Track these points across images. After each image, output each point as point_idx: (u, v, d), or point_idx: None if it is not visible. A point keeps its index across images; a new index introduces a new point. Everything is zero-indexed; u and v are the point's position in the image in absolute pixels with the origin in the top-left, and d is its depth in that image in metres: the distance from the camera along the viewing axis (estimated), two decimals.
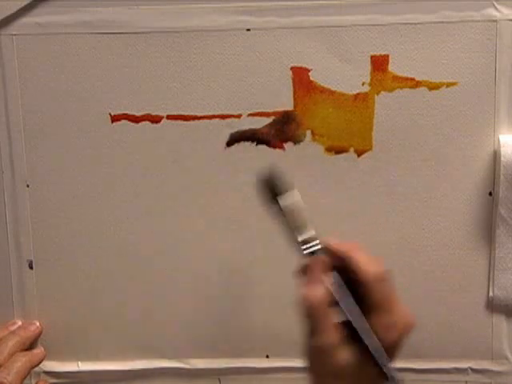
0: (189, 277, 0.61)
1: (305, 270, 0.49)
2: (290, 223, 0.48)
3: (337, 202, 0.59)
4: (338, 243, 0.49)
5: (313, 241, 0.49)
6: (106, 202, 0.59)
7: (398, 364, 0.61)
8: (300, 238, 0.49)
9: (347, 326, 0.47)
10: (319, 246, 0.48)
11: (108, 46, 0.56)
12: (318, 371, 0.49)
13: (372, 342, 0.46)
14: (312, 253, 0.48)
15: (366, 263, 0.47)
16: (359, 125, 0.57)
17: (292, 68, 0.56)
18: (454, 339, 0.61)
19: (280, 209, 0.48)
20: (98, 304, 0.62)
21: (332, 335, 0.47)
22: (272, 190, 0.48)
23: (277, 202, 0.48)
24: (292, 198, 0.49)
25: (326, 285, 0.47)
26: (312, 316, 0.47)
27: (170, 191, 0.59)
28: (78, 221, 0.60)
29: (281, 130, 0.58)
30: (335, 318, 0.47)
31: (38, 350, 0.61)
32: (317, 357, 0.48)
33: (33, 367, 0.59)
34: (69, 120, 0.58)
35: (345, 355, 0.46)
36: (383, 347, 0.46)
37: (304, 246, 0.49)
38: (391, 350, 0.47)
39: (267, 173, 0.48)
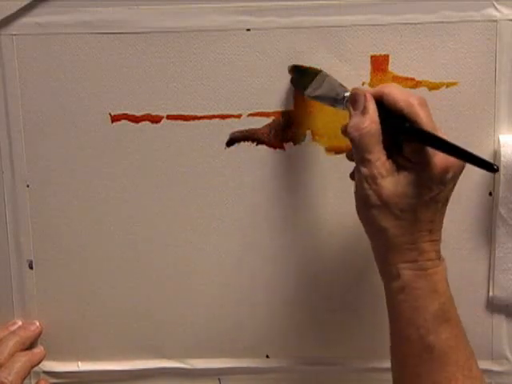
0: (189, 277, 0.61)
1: (352, 102, 0.49)
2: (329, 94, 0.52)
3: (337, 202, 0.59)
4: (368, 88, 0.51)
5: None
6: (106, 202, 0.59)
7: None
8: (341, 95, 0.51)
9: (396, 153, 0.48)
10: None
11: (108, 46, 0.56)
12: (365, 202, 0.49)
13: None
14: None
15: (399, 94, 0.48)
16: None
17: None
18: None
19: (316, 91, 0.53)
20: (98, 304, 0.62)
21: (380, 165, 0.47)
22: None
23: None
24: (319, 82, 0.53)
25: (376, 115, 0.48)
26: (361, 147, 0.47)
27: (169, 191, 0.59)
28: (78, 221, 0.60)
29: (281, 131, 0.58)
30: (382, 149, 0.47)
31: (38, 350, 0.61)
32: (364, 184, 0.48)
33: (33, 367, 0.59)
34: (69, 120, 0.58)
35: (392, 183, 0.47)
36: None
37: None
38: (442, 180, 0.47)
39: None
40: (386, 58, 0.56)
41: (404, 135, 0.48)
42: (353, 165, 0.58)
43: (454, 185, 0.49)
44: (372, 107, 0.48)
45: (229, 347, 0.62)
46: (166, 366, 0.63)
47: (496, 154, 0.57)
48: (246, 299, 0.61)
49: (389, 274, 0.49)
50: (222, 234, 0.60)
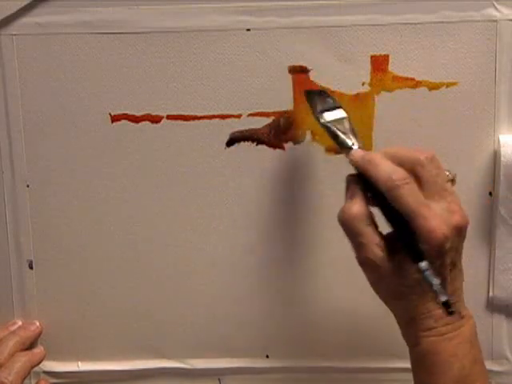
0: (189, 277, 0.61)
1: (346, 188, 0.49)
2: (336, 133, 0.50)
3: (337, 202, 0.59)
4: (357, 157, 0.48)
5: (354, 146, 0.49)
6: (106, 202, 0.59)
7: (398, 364, 0.61)
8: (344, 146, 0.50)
9: (391, 236, 0.47)
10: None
11: (108, 46, 0.56)
12: (373, 281, 0.48)
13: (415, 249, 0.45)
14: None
15: (380, 172, 0.46)
16: (359, 125, 0.57)
17: (292, 68, 0.56)
18: None
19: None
20: (98, 304, 0.62)
21: (373, 248, 0.46)
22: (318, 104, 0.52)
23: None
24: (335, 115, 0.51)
25: (361, 197, 0.47)
26: (350, 231, 0.47)
27: (169, 191, 0.59)
28: (78, 221, 0.60)
29: (281, 131, 0.58)
30: (377, 231, 0.47)
31: (38, 350, 0.61)
32: (366, 269, 0.48)
33: (33, 367, 0.59)
34: (69, 120, 0.58)
35: (390, 266, 0.46)
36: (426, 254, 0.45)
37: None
38: (439, 253, 0.45)
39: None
40: (386, 58, 0.56)
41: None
42: (353, 169, 0.58)
43: (459, 247, 0.48)
44: (358, 192, 0.47)
45: (229, 347, 0.62)
46: (166, 365, 0.63)
47: (496, 153, 0.57)
48: (246, 299, 0.61)
49: (409, 342, 0.49)
50: (221, 234, 0.60)
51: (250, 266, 0.60)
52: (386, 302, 0.50)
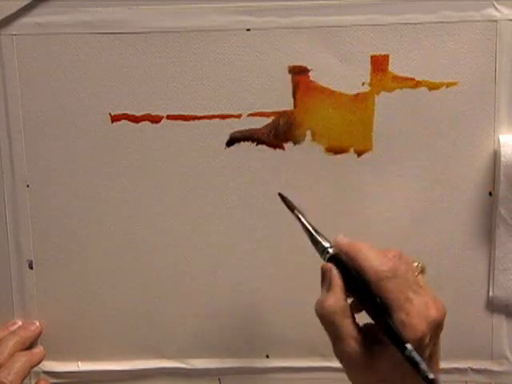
0: (189, 277, 0.61)
1: (321, 277, 0.48)
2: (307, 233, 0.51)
3: (337, 202, 0.59)
4: (345, 243, 0.48)
5: (327, 247, 0.49)
6: (105, 202, 0.60)
7: None
8: (317, 246, 0.50)
9: (372, 327, 0.46)
10: (331, 251, 0.49)
11: (108, 46, 0.56)
12: (349, 373, 0.48)
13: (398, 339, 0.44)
14: (330, 258, 0.48)
15: (370, 261, 0.46)
16: (359, 125, 0.57)
17: (292, 68, 0.56)
18: (454, 339, 0.61)
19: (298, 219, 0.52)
20: (98, 304, 0.62)
21: (351, 342, 0.46)
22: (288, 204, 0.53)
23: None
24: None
25: (339, 288, 0.46)
26: (328, 325, 0.47)
27: (169, 191, 0.59)
28: (78, 221, 0.60)
29: (281, 131, 0.58)
30: (354, 324, 0.46)
31: (38, 350, 0.61)
32: (343, 362, 0.47)
33: (33, 367, 0.59)
34: (69, 120, 0.58)
35: (368, 361, 0.46)
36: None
37: (322, 254, 0.49)
38: (418, 348, 0.45)
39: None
40: (385, 58, 0.56)
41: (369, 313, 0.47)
42: (353, 165, 0.58)
43: (437, 339, 0.48)
44: (337, 283, 0.47)
45: (229, 347, 0.62)
46: (166, 366, 0.63)
47: (496, 153, 0.57)
48: (246, 299, 0.61)
49: None
50: (221, 234, 0.60)
51: (250, 266, 0.60)
52: None
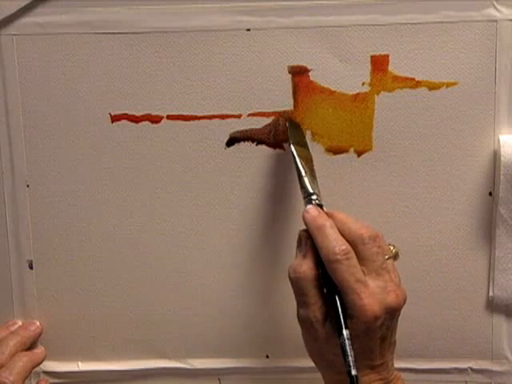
0: (189, 277, 0.61)
1: (297, 242, 0.50)
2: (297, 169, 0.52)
3: (337, 202, 0.59)
4: (309, 218, 0.49)
5: (311, 193, 0.51)
6: (105, 202, 0.60)
7: (398, 364, 0.61)
8: (302, 190, 0.51)
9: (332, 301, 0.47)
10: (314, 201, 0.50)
11: (108, 45, 0.56)
12: (306, 339, 0.51)
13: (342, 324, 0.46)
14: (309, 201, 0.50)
15: (325, 242, 0.47)
16: (359, 125, 0.57)
17: (292, 68, 0.56)
18: (454, 339, 0.61)
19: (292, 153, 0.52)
20: (98, 304, 0.62)
21: (315, 310, 0.47)
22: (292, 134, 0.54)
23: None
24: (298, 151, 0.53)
25: (312, 258, 0.48)
26: (297, 289, 0.48)
27: (169, 191, 0.59)
28: (78, 221, 0.60)
29: (281, 131, 0.57)
30: (322, 294, 0.48)
31: (39, 350, 0.61)
32: (303, 326, 0.50)
33: (34, 367, 0.59)
34: (69, 120, 0.58)
35: (324, 331, 0.48)
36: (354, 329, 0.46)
37: (304, 200, 0.51)
38: (369, 329, 0.46)
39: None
40: (385, 58, 0.56)
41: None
42: (353, 165, 0.58)
43: (392, 324, 0.49)
44: (311, 252, 0.48)
45: (229, 347, 0.62)
46: (166, 366, 0.63)
47: (496, 153, 0.57)
48: (246, 299, 0.61)
49: None
50: (221, 234, 0.60)
51: (251, 266, 0.60)
52: (316, 363, 0.52)
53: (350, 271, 0.46)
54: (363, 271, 0.47)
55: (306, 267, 0.48)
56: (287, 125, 0.56)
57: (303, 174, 0.52)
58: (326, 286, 0.48)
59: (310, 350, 0.52)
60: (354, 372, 0.45)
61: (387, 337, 0.49)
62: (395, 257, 0.51)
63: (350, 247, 0.47)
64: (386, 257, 0.49)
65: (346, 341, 0.45)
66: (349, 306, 0.46)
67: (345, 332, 0.46)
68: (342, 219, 0.49)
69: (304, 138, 0.56)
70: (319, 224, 0.48)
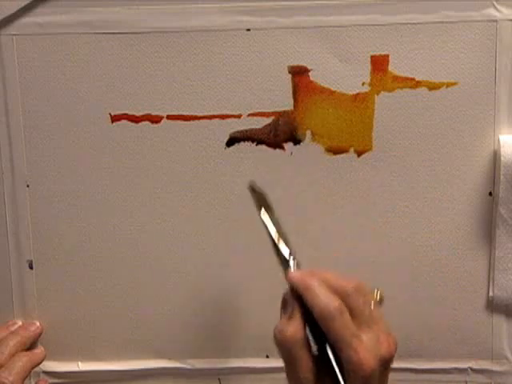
0: (189, 277, 0.61)
1: (282, 304, 0.49)
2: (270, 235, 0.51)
3: (337, 202, 0.59)
4: (295, 280, 0.48)
5: (291, 259, 0.50)
6: (105, 202, 0.60)
7: (398, 364, 0.61)
8: (279, 253, 0.51)
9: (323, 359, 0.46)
10: (292, 266, 0.50)
11: (108, 46, 0.56)
12: None
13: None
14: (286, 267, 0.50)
15: (316, 300, 0.46)
16: (359, 125, 0.57)
17: (292, 68, 0.56)
18: (454, 339, 0.61)
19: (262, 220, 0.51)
20: (98, 304, 0.62)
21: (306, 371, 0.46)
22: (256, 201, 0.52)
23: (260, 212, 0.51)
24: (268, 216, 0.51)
25: (299, 319, 0.47)
26: (285, 352, 0.47)
27: (169, 191, 0.59)
28: (78, 221, 0.60)
29: (281, 131, 0.58)
30: (310, 354, 0.46)
31: (39, 350, 0.61)
32: None
33: (34, 367, 0.59)
34: (69, 120, 0.58)
35: None
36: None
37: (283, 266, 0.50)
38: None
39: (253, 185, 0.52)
40: (385, 58, 0.56)
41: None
42: (353, 165, 0.58)
43: (385, 375, 0.47)
44: (298, 314, 0.47)
45: (229, 347, 0.62)
46: (166, 366, 0.63)
47: (496, 153, 0.57)
48: (246, 299, 0.61)
49: None
50: (221, 234, 0.60)
51: (251, 266, 0.60)
52: None
53: (345, 327, 0.45)
54: (354, 323, 0.46)
55: (292, 329, 0.46)
56: (250, 191, 0.53)
57: (276, 240, 0.50)
58: (319, 345, 0.46)
59: None
60: None
61: None
62: (380, 302, 0.50)
63: (342, 303, 0.46)
64: (372, 305, 0.48)
65: None
66: (345, 361, 0.45)
67: None
68: (324, 277, 0.48)
69: (264, 196, 0.53)
70: (308, 284, 0.47)
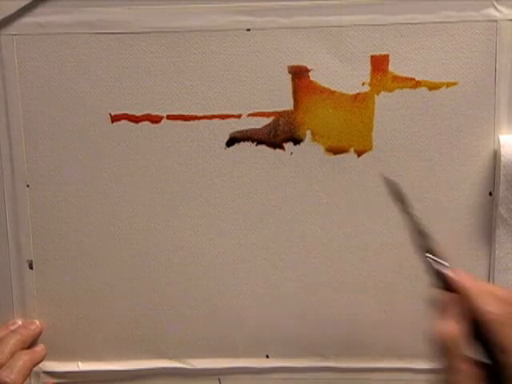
0: (189, 277, 0.61)
1: (440, 306, 0.47)
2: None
3: (337, 202, 0.59)
4: (469, 280, 0.46)
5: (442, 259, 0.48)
6: (105, 202, 0.60)
7: (398, 364, 0.61)
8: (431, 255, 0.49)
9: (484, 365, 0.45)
10: (447, 270, 0.48)
11: (108, 45, 0.56)
12: None
13: None
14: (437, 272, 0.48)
15: (487, 302, 0.45)
16: (359, 125, 0.57)
17: (292, 68, 0.56)
18: None
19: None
20: (98, 304, 0.62)
21: (465, 376, 0.45)
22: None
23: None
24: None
25: (460, 322, 0.45)
26: (445, 353, 0.45)
27: (169, 191, 0.59)
28: (78, 221, 0.60)
29: (281, 131, 0.58)
30: (470, 356, 0.45)
31: (39, 348, 0.61)
32: None
33: (34, 365, 0.59)
34: (69, 120, 0.58)
35: None
36: None
37: (434, 261, 0.48)
38: None
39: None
40: (385, 57, 0.56)
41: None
42: (353, 165, 0.58)
43: None
44: (453, 313, 0.46)
45: (229, 347, 0.62)
46: (166, 366, 0.63)
47: (496, 153, 0.57)
48: (246, 299, 0.61)
49: None
50: (221, 234, 0.60)
51: (251, 266, 0.60)
52: None
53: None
54: None
55: (457, 329, 0.45)
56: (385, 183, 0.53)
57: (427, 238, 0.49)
58: (483, 348, 0.45)
59: None
60: None
61: None
62: None
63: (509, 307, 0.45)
64: None
65: None
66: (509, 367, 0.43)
67: None
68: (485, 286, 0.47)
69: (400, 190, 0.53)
70: (480, 290, 0.46)
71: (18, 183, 0.59)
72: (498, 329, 0.44)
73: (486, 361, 0.45)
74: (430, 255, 0.49)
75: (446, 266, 0.48)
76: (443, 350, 0.45)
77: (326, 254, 0.60)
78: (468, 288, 0.46)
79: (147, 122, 0.58)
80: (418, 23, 0.55)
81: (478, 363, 0.46)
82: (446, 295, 0.47)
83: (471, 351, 0.46)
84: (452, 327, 0.45)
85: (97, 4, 0.56)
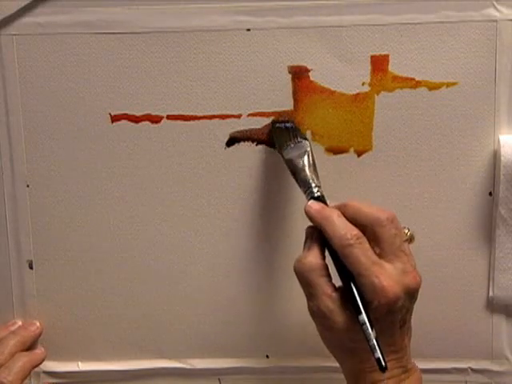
0: (188, 276, 0.61)
1: (305, 237, 0.50)
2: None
3: (337, 202, 0.59)
4: (313, 211, 0.49)
5: (314, 188, 0.51)
6: (105, 202, 0.60)
7: None
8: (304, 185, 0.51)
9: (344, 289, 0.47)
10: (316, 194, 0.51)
11: (108, 45, 0.56)
12: (322, 331, 0.50)
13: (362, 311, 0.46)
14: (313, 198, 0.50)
15: (334, 229, 0.47)
16: (359, 125, 0.57)
17: (292, 68, 0.56)
18: (454, 339, 0.61)
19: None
20: (98, 304, 0.62)
21: (325, 300, 0.47)
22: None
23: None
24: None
25: (316, 248, 0.48)
26: (304, 281, 0.48)
27: (169, 191, 0.59)
28: (78, 221, 0.60)
29: None
30: (330, 283, 0.48)
31: (39, 350, 0.61)
32: (317, 319, 0.49)
33: (33, 367, 0.59)
34: (69, 120, 0.58)
35: (340, 319, 0.47)
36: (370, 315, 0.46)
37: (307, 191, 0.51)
38: (390, 311, 0.46)
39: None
40: (385, 57, 0.56)
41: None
42: (353, 165, 0.58)
43: (410, 307, 0.49)
44: (315, 242, 0.49)
45: (229, 347, 0.62)
46: (166, 366, 0.63)
47: (496, 153, 0.57)
48: (246, 299, 0.61)
49: None
50: (221, 234, 0.60)
51: (250, 266, 0.60)
52: (335, 355, 0.51)
53: (365, 254, 0.46)
54: (380, 254, 0.47)
55: (311, 258, 0.48)
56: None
57: (307, 168, 0.52)
58: (340, 274, 0.47)
59: (327, 343, 0.51)
60: (378, 355, 0.44)
61: (406, 320, 0.49)
62: (410, 240, 0.51)
63: (360, 233, 0.47)
64: (403, 239, 0.49)
65: (367, 323, 0.45)
66: (368, 289, 0.45)
67: (365, 316, 0.45)
68: (354, 206, 0.49)
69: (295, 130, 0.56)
70: (326, 215, 0.48)
71: (17, 183, 0.59)
72: (347, 252, 0.46)
73: (347, 284, 0.47)
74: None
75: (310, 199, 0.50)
76: (302, 279, 0.48)
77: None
78: (319, 218, 0.48)
79: (147, 122, 0.58)
80: (418, 23, 0.55)
81: (339, 288, 0.48)
82: (308, 229, 0.50)
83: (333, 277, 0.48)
84: (311, 257, 0.48)
85: (97, 4, 0.56)
